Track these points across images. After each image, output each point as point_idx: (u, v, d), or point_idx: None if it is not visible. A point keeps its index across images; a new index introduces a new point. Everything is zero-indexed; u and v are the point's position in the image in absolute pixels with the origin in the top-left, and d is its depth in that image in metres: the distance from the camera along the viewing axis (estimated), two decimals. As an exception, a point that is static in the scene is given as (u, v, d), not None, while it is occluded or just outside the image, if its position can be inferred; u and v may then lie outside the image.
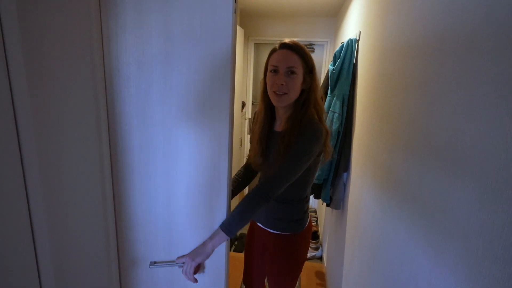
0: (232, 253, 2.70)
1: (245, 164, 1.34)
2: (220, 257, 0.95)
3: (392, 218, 0.88)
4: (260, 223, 1.27)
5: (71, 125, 0.72)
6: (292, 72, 1.00)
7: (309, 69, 1.04)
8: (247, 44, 3.43)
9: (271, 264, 1.29)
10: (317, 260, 2.66)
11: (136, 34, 0.77)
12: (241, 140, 3.25)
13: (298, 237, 1.22)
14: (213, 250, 0.91)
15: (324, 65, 3.44)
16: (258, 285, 1.43)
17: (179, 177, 0.87)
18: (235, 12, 0.78)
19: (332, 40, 3.27)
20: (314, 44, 3.43)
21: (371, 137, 1.21)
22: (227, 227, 0.90)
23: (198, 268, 0.92)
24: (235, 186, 1.27)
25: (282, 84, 1.00)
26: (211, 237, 0.91)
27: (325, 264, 2.44)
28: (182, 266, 0.91)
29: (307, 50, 1.04)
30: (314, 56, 3.48)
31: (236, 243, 2.88)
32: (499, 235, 0.42)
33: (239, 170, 1.35)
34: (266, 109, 1.14)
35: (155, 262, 0.93)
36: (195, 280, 0.92)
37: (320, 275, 2.40)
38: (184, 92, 0.81)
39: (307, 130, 0.99)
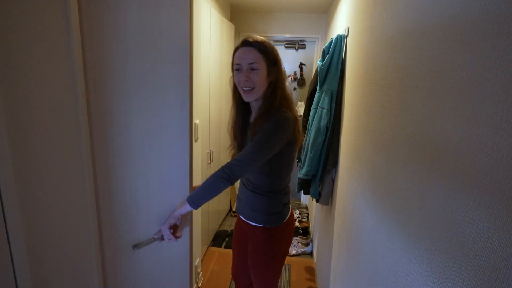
0: (224, 250, 2.70)
1: None
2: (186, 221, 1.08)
3: (375, 213, 0.89)
4: (242, 215, 1.28)
5: (48, 116, 0.70)
6: (254, 69, 1.04)
7: (272, 62, 1.08)
8: (238, 40, 3.41)
9: (251, 257, 1.30)
10: (308, 256, 2.68)
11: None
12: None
13: (278, 230, 1.22)
14: (180, 215, 1.02)
15: (315, 61, 3.44)
16: (244, 277, 1.44)
17: (153, 168, 0.94)
18: None
19: (323, 36, 3.27)
20: (305, 40, 3.43)
21: (357, 133, 1.22)
22: (192, 199, 1.01)
23: (175, 232, 1.04)
24: None
25: (246, 80, 1.04)
26: (178, 206, 1.03)
27: (315, 260, 2.46)
28: (160, 238, 1.03)
29: (269, 43, 1.08)
30: (306, 52, 3.49)
31: (227, 239, 2.88)
32: (473, 229, 0.43)
33: None
34: (238, 105, 1.19)
35: (137, 245, 1.01)
36: (177, 238, 1.03)
37: (310, 270, 2.42)
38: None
39: (273, 118, 1.04)
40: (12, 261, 0.63)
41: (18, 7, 0.61)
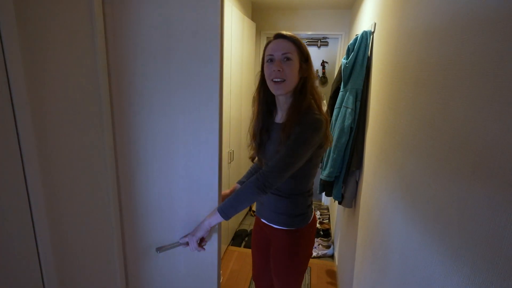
0: (243, 249, 2.70)
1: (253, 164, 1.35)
2: (213, 233, 1.02)
3: (404, 220, 0.84)
4: (263, 218, 1.26)
5: (73, 117, 0.71)
6: (288, 59, 1.01)
7: (305, 57, 1.06)
8: (259, 38, 3.38)
9: (274, 259, 1.27)
10: (329, 259, 2.62)
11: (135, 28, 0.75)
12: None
13: (302, 232, 1.19)
14: (210, 227, 0.97)
15: (338, 59, 3.35)
16: (266, 280, 1.42)
17: (178, 170, 0.90)
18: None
19: (347, 33, 3.17)
20: (328, 38, 3.35)
21: (384, 134, 1.15)
22: (223, 210, 0.96)
23: (202, 242, 1.00)
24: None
25: (279, 70, 1.01)
26: (209, 216, 0.97)
27: (337, 263, 2.40)
28: (186, 245, 0.99)
29: (301, 40, 1.06)
30: (328, 50, 3.40)
31: (246, 239, 2.88)
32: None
33: (248, 171, 1.37)
34: (262, 103, 1.15)
35: (161, 247, 0.98)
36: (203, 249, 1.00)
37: (331, 274, 2.36)
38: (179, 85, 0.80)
39: (306, 120, 1.00)
40: (40, 262, 0.64)
41: (46, 11, 0.62)
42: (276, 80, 1.02)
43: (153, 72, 0.79)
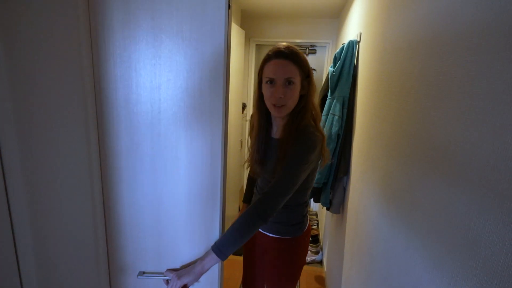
0: (232, 256, 2.67)
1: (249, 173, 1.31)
2: (213, 274, 0.91)
3: (390, 225, 0.85)
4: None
5: (58, 128, 0.69)
6: (290, 83, 0.95)
7: (306, 74, 1.00)
8: (248, 45, 3.41)
9: (270, 268, 1.27)
10: (317, 264, 2.62)
11: (124, 34, 0.74)
12: (241, 142, 3.23)
13: (297, 241, 1.20)
14: (202, 273, 0.84)
15: (326, 66, 3.40)
16: None
17: (169, 184, 0.84)
18: (229, 8, 0.75)
19: (334, 41, 3.24)
20: (316, 46, 3.40)
21: (370, 141, 1.18)
22: (220, 248, 0.83)
23: (185, 286, 0.86)
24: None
25: (281, 97, 0.95)
26: (202, 259, 0.84)
27: (325, 269, 2.40)
28: (168, 281, 0.86)
29: (302, 54, 0.99)
30: (316, 58, 3.46)
31: (235, 246, 2.85)
32: (501, 249, 0.39)
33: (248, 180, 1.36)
34: (262, 117, 1.09)
35: (143, 272, 0.90)
36: None
37: (320, 280, 2.36)
38: (172, 94, 0.78)
39: (303, 139, 0.96)
40: (20, 275, 0.62)
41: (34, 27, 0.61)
42: (277, 105, 0.97)
43: (140, 80, 0.78)
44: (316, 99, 1.07)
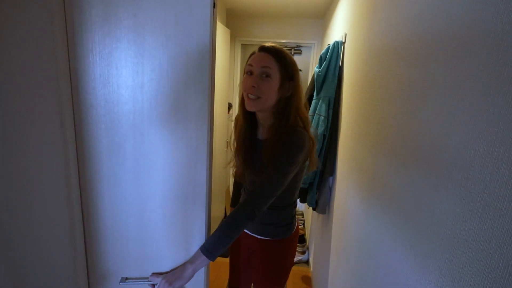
0: (218, 258, 2.63)
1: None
2: (199, 276, 0.89)
3: (376, 225, 0.86)
4: (247, 230, 1.23)
5: (29, 128, 0.65)
6: (267, 75, 0.94)
7: (289, 75, 0.98)
8: (233, 45, 3.38)
9: (258, 270, 1.25)
10: (304, 264, 2.63)
11: (104, 30, 0.71)
12: (227, 142, 3.20)
13: (286, 243, 1.19)
14: (193, 275, 0.84)
15: (311, 67, 3.43)
16: None
17: (152, 186, 0.81)
18: (214, 7, 0.73)
19: (320, 42, 3.27)
20: (301, 46, 3.42)
21: (356, 141, 1.19)
22: (209, 250, 0.83)
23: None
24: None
25: (254, 86, 0.93)
26: (191, 261, 0.84)
27: (312, 269, 2.42)
28: (154, 286, 0.84)
29: (288, 55, 0.98)
30: (302, 58, 3.47)
31: (221, 247, 2.82)
32: (486, 249, 0.39)
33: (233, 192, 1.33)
34: (246, 116, 1.07)
35: (126, 278, 0.86)
36: None
37: (307, 280, 2.37)
38: (156, 94, 0.75)
39: (292, 140, 0.94)
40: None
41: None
42: (251, 96, 0.95)
43: (121, 79, 0.75)
44: (303, 100, 1.06)
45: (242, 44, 3.46)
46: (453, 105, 0.50)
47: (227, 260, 2.58)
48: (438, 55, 0.56)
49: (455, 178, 0.48)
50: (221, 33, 2.71)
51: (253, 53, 0.99)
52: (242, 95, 1.03)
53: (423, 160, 0.59)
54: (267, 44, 0.97)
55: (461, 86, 0.48)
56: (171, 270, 0.86)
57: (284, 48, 0.99)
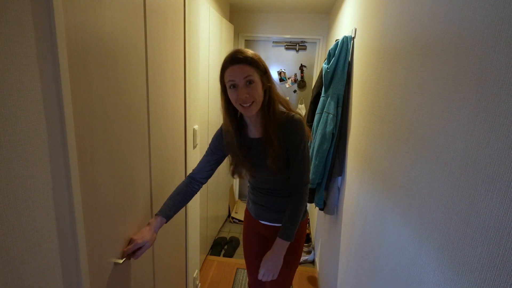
0: (222, 258, 2.61)
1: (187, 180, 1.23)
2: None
3: (395, 230, 0.81)
4: (265, 221, 1.28)
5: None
6: (251, 82, 1.02)
7: (263, 71, 1.06)
8: (237, 41, 3.32)
9: None
10: (309, 265, 2.59)
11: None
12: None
13: (301, 226, 1.25)
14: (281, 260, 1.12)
15: (316, 63, 3.36)
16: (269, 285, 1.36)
17: None
18: None
19: (325, 37, 3.20)
20: (306, 42, 3.35)
21: (369, 140, 1.13)
22: (289, 235, 1.11)
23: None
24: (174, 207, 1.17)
25: (247, 96, 1.01)
26: (279, 251, 1.11)
27: (318, 269, 2.38)
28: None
29: (255, 54, 1.05)
30: (306, 54, 3.41)
31: (226, 247, 2.79)
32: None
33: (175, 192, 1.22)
34: (233, 120, 1.14)
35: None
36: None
37: (313, 280, 2.33)
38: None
39: (293, 127, 1.09)
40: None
41: None
42: (246, 105, 1.03)
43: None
44: (282, 96, 1.15)
45: (245, 40, 3.39)
46: (487, 105, 0.44)
47: (232, 260, 2.56)
48: (470, 49, 0.50)
49: (468, 177, 0.42)
50: (225, 29, 2.65)
51: (224, 67, 1.04)
52: (226, 104, 1.10)
53: (443, 159, 0.54)
54: (235, 54, 1.02)
55: (502, 83, 0.42)
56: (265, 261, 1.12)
57: (244, 48, 1.06)
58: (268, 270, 1.10)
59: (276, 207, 1.24)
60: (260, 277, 1.12)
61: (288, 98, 3.58)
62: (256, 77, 1.03)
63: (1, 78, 0.52)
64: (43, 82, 0.61)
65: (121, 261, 0.93)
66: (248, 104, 1.03)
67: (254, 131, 1.16)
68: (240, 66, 1.01)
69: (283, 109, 1.13)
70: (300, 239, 1.28)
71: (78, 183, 0.71)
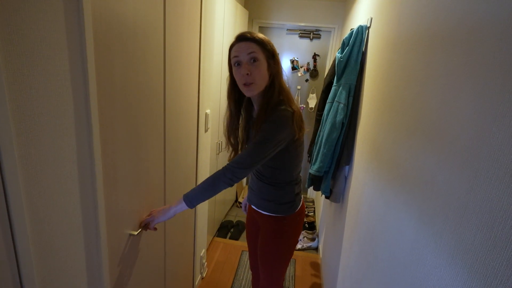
0: (228, 240, 2.69)
1: None
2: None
3: (397, 217, 0.84)
4: (253, 205, 1.30)
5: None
6: (255, 60, 1.01)
7: (270, 54, 1.05)
8: (251, 27, 3.31)
9: (261, 245, 1.31)
10: (313, 251, 2.66)
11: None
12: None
13: (289, 220, 1.23)
14: (174, 215, 1.07)
15: (330, 52, 3.33)
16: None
17: None
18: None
19: (340, 26, 3.15)
20: (320, 30, 3.31)
21: (378, 130, 1.15)
22: (190, 199, 1.02)
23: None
24: None
25: (248, 74, 1.01)
26: (174, 204, 1.06)
27: (321, 255, 2.44)
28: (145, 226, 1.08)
29: (264, 37, 1.05)
30: (320, 42, 3.37)
31: (232, 230, 2.87)
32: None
33: None
34: (235, 103, 1.16)
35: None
36: (155, 229, 1.10)
37: (315, 266, 2.39)
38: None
39: (273, 118, 1.02)
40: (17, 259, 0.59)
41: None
42: (247, 84, 1.03)
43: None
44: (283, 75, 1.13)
45: (260, 26, 3.38)
46: (503, 97, 0.46)
47: (238, 242, 2.65)
48: (475, 45, 0.52)
49: (483, 171, 0.45)
50: (239, 15, 2.64)
51: (232, 46, 1.06)
52: (231, 87, 1.13)
53: (455, 152, 0.56)
54: (244, 34, 1.03)
55: (493, 77, 0.44)
56: (162, 208, 1.08)
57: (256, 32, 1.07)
58: (153, 215, 1.07)
59: (260, 193, 1.24)
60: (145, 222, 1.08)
61: (300, 87, 3.58)
62: (260, 56, 1.02)
63: (44, 60, 0.57)
64: (71, 52, 0.65)
65: (135, 232, 0.99)
66: (249, 83, 1.03)
67: (256, 111, 1.16)
68: (246, 43, 1.01)
69: (284, 100, 1.09)
70: (287, 232, 1.25)
71: (100, 158, 0.77)
